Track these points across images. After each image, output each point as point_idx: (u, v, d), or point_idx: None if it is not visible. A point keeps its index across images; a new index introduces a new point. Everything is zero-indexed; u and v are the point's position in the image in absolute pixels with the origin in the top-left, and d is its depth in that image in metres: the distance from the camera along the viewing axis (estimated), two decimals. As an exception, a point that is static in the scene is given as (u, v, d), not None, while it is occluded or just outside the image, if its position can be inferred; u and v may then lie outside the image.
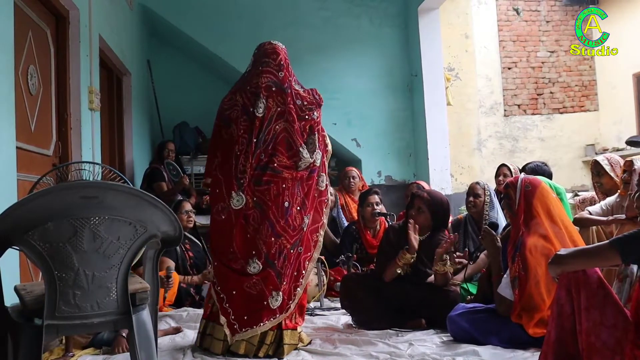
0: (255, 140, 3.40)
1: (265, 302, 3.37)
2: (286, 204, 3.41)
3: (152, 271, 2.59)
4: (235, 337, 3.35)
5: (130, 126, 6.76)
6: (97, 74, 5.11)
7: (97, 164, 3.50)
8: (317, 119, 3.60)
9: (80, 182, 3.01)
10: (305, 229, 3.52)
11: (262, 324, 3.36)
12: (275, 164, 3.42)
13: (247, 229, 3.40)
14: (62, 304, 2.14)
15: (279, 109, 3.47)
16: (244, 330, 3.35)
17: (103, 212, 2.16)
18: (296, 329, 3.51)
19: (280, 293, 3.40)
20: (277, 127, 3.46)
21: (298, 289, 3.49)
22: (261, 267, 3.38)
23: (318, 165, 3.58)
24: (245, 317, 3.36)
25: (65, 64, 4.54)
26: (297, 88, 3.58)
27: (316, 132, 3.59)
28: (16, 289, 2.43)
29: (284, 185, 3.43)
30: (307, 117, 3.54)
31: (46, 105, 4.22)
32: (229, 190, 3.40)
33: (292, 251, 3.46)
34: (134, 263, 2.31)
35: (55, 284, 2.12)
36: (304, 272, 3.53)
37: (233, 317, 3.36)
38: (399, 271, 4.06)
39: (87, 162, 3.21)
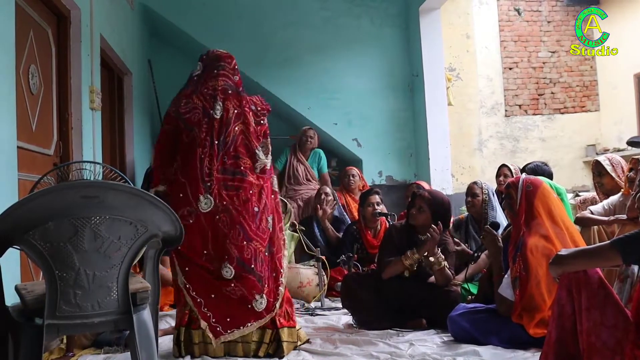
0: (217, 142, 3.44)
1: (250, 306, 3.38)
2: (256, 208, 3.45)
3: (153, 271, 2.59)
4: (221, 340, 3.33)
5: (131, 126, 6.75)
6: (98, 74, 5.11)
7: (98, 163, 3.50)
8: (266, 124, 3.69)
9: (81, 181, 3.01)
10: (271, 229, 3.56)
11: (249, 324, 3.37)
12: (242, 167, 3.46)
13: (218, 232, 3.41)
14: (63, 303, 2.14)
15: (235, 111, 3.52)
16: (229, 331, 3.35)
17: (104, 212, 2.16)
18: (294, 327, 3.53)
19: (264, 296, 3.41)
20: (236, 128, 3.51)
21: (280, 288, 3.52)
22: (233, 271, 3.37)
23: (269, 167, 3.63)
24: (229, 319, 3.36)
25: (66, 64, 4.54)
26: (245, 94, 3.66)
27: (268, 137, 3.67)
28: (17, 289, 2.43)
29: (251, 191, 3.46)
30: (262, 122, 3.64)
31: (47, 105, 4.22)
32: (196, 193, 3.38)
33: (266, 254, 3.49)
34: (134, 262, 2.31)
35: (56, 283, 2.12)
36: (281, 270, 3.56)
37: (214, 320, 3.34)
38: (406, 274, 4.07)
39: (88, 161, 3.22)
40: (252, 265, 3.39)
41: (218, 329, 3.33)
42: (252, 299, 3.38)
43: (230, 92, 3.53)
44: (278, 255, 3.56)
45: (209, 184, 3.37)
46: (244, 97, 3.58)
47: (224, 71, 3.58)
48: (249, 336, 3.38)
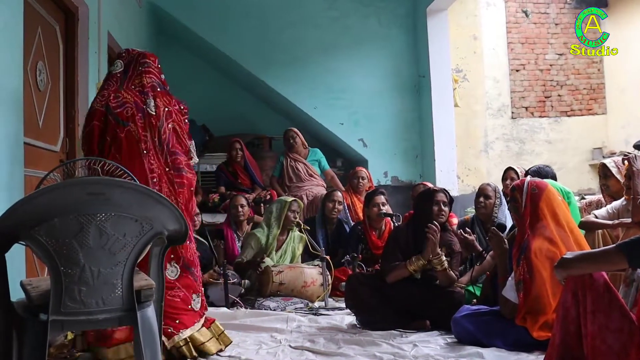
0: (156, 139, 3.36)
1: (189, 306, 3.37)
2: (196, 209, 3.44)
3: (158, 268, 2.59)
4: (174, 340, 3.26)
5: (137, 123, 6.76)
6: (105, 71, 5.11)
7: (105, 160, 3.50)
8: (187, 124, 3.63)
9: (87, 178, 3.01)
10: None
11: (195, 323, 3.36)
12: (183, 165, 3.41)
13: None
14: (68, 299, 2.14)
15: (167, 109, 3.44)
16: (181, 331, 3.28)
17: (109, 209, 2.17)
18: (214, 321, 3.54)
19: (200, 295, 3.44)
20: (169, 126, 3.43)
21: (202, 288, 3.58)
22: (179, 271, 3.34)
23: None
24: (177, 321, 3.29)
25: (73, 61, 4.55)
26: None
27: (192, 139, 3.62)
28: (22, 284, 2.44)
29: (192, 188, 3.45)
30: (186, 121, 3.57)
31: (54, 101, 4.23)
32: None
33: (198, 254, 3.54)
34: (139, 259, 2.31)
35: (60, 279, 2.13)
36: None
37: (164, 323, 3.14)
38: (415, 275, 4.06)
39: (94, 158, 3.21)
40: (193, 268, 3.41)
41: (170, 330, 3.25)
42: (191, 299, 3.38)
43: (159, 89, 3.46)
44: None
45: (154, 180, 3.29)
46: (172, 97, 3.52)
47: (149, 68, 3.49)
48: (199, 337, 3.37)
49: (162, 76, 3.56)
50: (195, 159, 3.55)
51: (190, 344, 3.31)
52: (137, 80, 3.43)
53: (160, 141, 3.37)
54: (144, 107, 3.35)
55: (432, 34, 7.74)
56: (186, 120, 3.58)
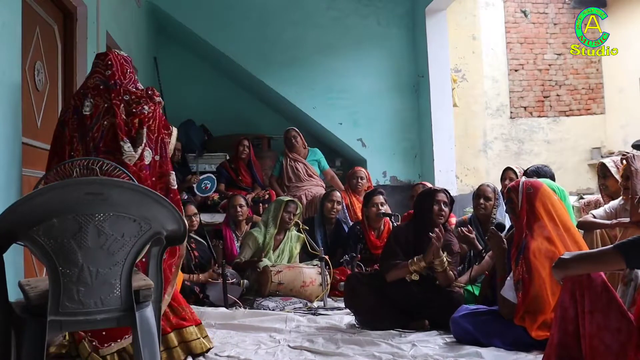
0: (87, 138, 3.30)
1: None
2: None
3: (156, 268, 2.58)
4: (100, 353, 3.12)
5: (136, 123, 6.76)
6: (104, 71, 5.11)
7: (103, 160, 3.50)
8: (147, 113, 3.43)
9: (86, 178, 3.01)
10: None
11: (126, 337, 3.15)
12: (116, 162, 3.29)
13: None
14: (66, 300, 2.14)
15: (105, 105, 3.36)
16: (106, 345, 3.13)
17: (108, 209, 2.16)
18: (190, 326, 3.42)
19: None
20: (105, 122, 3.33)
21: (165, 296, 3.28)
22: None
23: (147, 163, 3.40)
24: (104, 333, 3.13)
25: (72, 60, 4.55)
26: (129, 87, 3.47)
27: (145, 127, 3.41)
28: (20, 285, 2.43)
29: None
30: (134, 110, 3.39)
31: (52, 101, 4.23)
32: None
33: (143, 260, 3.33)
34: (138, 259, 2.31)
35: (59, 279, 2.12)
36: (170, 278, 3.37)
37: (90, 333, 3.12)
38: (413, 277, 4.05)
39: (92, 158, 3.20)
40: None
41: (94, 343, 3.13)
42: None
43: (101, 87, 3.39)
44: (170, 262, 3.38)
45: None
46: (116, 90, 3.40)
47: (97, 68, 3.47)
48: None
49: (108, 72, 3.42)
50: (129, 156, 3.30)
51: (116, 355, 3.16)
52: (86, 83, 3.44)
53: (92, 140, 3.30)
54: (80, 108, 3.34)
55: (431, 34, 7.75)
56: (134, 110, 3.39)
